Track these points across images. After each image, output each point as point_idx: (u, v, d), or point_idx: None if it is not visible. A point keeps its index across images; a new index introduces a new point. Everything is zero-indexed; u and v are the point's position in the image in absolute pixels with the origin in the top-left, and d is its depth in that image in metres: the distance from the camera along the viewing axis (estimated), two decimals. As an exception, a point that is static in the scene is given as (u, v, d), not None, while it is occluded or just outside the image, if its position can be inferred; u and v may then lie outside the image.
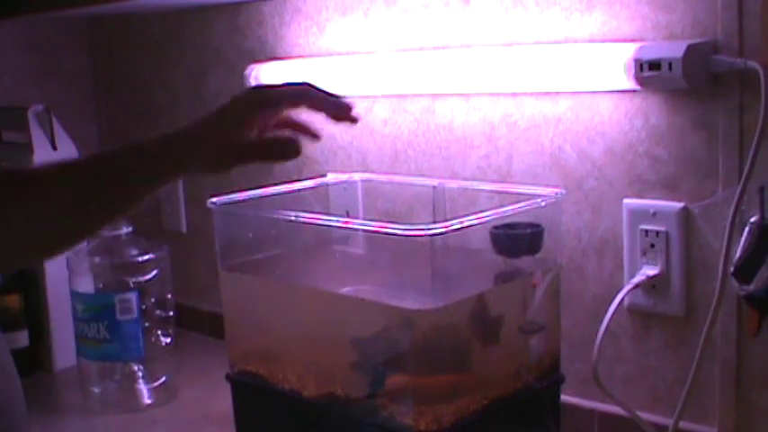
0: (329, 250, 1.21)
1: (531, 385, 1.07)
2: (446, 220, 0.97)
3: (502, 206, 1.05)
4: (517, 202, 1.06)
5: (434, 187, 1.25)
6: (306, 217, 1.07)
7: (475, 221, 0.99)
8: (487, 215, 1.01)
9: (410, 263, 1.05)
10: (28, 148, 1.53)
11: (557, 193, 1.08)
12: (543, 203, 1.06)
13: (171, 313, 1.46)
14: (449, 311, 0.99)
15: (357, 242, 1.22)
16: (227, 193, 1.19)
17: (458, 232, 0.97)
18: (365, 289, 1.12)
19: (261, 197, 1.21)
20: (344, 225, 1.09)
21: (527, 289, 1.07)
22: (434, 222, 0.97)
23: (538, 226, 1.06)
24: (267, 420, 1.14)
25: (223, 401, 1.19)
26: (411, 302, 1.00)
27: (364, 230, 1.11)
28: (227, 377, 1.17)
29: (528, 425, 1.08)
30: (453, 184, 1.25)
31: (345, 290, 1.10)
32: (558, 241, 1.10)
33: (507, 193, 1.13)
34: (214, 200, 1.15)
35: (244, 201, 1.17)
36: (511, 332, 1.05)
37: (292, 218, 1.08)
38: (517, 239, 1.05)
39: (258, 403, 1.15)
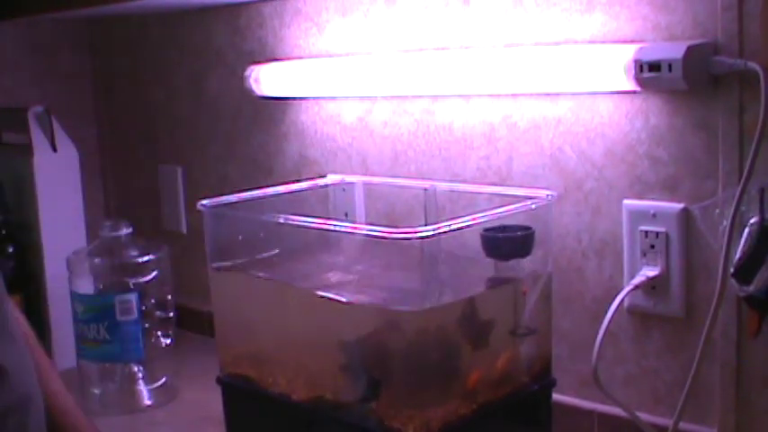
0: (320, 253, 1.21)
1: (522, 389, 1.07)
2: (436, 223, 0.97)
3: (495, 209, 1.05)
4: (515, 204, 1.06)
5: (426, 189, 1.25)
6: (295, 219, 1.07)
7: (464, 224, 0.99)
8: (478, 218, 1.01)
9: (401, 265, 1.05)
10: (28, 149, 1.53)
11: (548, 196, 1.08)
12: (534, 206, 1.06)
13: (171, 314, 1.46)
14: (438, 314, 0.99)
15: (349, 245, 1.22)
16: (225, 194, 1.19)
17: (449, 235, 0.97)
18: (356, 291, 1.12)
19: (260, 198, 1.21)
20: (333, 228, 1.09)
21: (518, 292, 1.07)
22: (425, 225, 0.97)
23: (528, 228, 1.06)
24: (257, 424, 1.14)
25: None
26: (401, 305, 1.00)
27: (353, 233, 1.11)
28: (218, 380, 1.17)
29: (520, 429, 1.08)
30: (447, 187, 1.24)
31: (335, 293, 1.10)
32: (550, 244, 1.11)
33: (501, 195, 1.13)
34: (205, 202, 1.15)
35: (235, 203, 1.17)
36: (502, 335, 1.05)
37: (281, 220, 1.07)
38: (507, 242, 1.05)
39: (248, 407, 1.15)
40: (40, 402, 0.85)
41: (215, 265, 1.18)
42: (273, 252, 1.19)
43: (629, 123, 1.10)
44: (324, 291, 1.09)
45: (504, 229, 1.06)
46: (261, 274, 1.18)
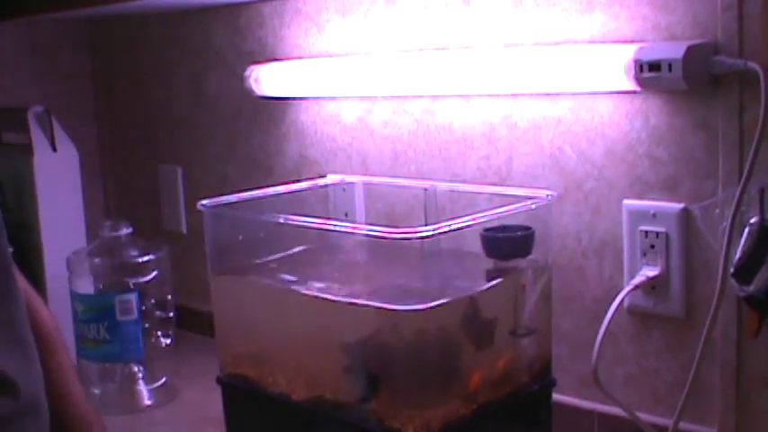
0: (320, 253, 1.21)
1: (522, 389, 1.07)
2: (436, 223, 0.97)
3: (494, 209, 1.05)
4: (515, 204, 1.06)
5: (426, 189, 1.25)
6: (294, 220, 1.07)
7: (464, 224, 0.99)
8: (478, 218, 1.01)
9: (401, 265, 1.05)
10: (28, 149, 1.53)
11: (548, 196, 1.08)
12: (533, 206, 1.06)
13: (171, 314, 1.46)
14: (438, 314, 0.99)
15: (349, 245, 1.22)
16: (225, 194, 1.19)
17: (449, 235, 0.97)
18: (356, 292, 1.12)
19: (260, 198, 1.21)
20: (333, 228, 1.09)
21: (517, 292, 1.07)
22: (425, 225, 0.97)
23: (528, 228, 1.06)
24: (257, 424, 1.14)
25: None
26: (401, 305, 1.00)
27: (353, 233, 1.11)
28: (218, 380, 1.17)
29: (520, 429, 1.08)
30: (447, 187, 1.24)
31: (336, 293, 1.10)
32: (550, 244, 1.10)
33: (501, 195, 1.13)
34: (204, 202, 1.15)
35: (235, 203, 1.17)
36: (502, 336, 1.05)
37: (281, 220, 1.07)
38: (507, 242, 1.05)
39: (248, 407, 1.15)
40: (45, 409, 0.85)
41: (215, 265, 1.18)
42: (274, 252, 1.19)
43: (629, 123, 1.10)
44: (324, 291, 1.09)
45: (504, 229, 1.06)
46: (261, 276, 1.18)
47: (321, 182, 1.38)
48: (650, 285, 1.10)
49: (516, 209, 1.05)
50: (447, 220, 1.00)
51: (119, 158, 1.91)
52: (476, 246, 1.07)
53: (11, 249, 1.57)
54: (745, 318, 1.01)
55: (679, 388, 1.06)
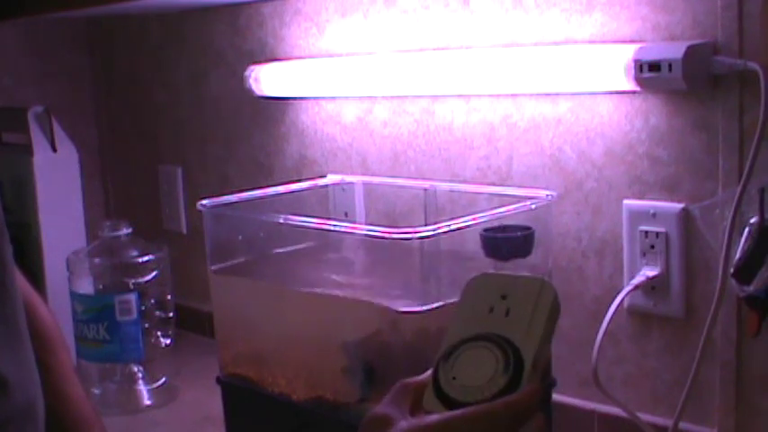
0: (320, 253, 1.21)
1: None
2: (436, 223, 0.97)
3: (495, 209, 1.05)
4: (515, 204, 1.06)
5: (426, 189, 1.25)
6: (294, 220, 1.07)
7: (464, 224, 0.99)
8: (478, 218, 1.01)
9: (400, 266, 1.05)
10: (28, 149, 1.53)
11: (548, 196, 1.08)
12: (533, 206, 1.06)
13: (171, 314, 1.46)
14: (438, 314, 0.99)
15: (348, 245, 1.22)
16: (225, 194, 1.19)
17: (448, 235, 0.97)
18: (356, 292, 1.12)
19: (260, 198, 1.21)
20: (333, 228, 1.09)
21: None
22: (425, 225, 0.97)
23: (528, 229, 1.06)
24: (257, 424, 1.14)
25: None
26: (401, 305, 1.00)
27: (353, 233, 1.11)
28: (218, 380, 1.17)
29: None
30: (447, 187, 1.24)
31: (335, 293, 1.10)
32: (550, 244, 1.10)
33: (501, 195, 1.13)
34: (204, 202, 1.15)
35: (234, 203, 1.17)
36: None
37: (281, 220, 1.07)
38: (507, 242, 1.05)
39: (248, 407, 1.15)
40: (42, 410, 0.85)
41: (215, 265, 1.18)
42: (273, 252, 1.19)
43: (628, 123, 1.10)
44: (323, 291, 1.09)
45: (504, 229, 1.06)
46: (260, 275, 1.18)
47: (321, 182, 1.38)
48: (650, 285, 1.10)
49: (516, 209, 1.05)
50: (447, 220, 1.00)
51: (119, 158, 1.91)
52: (476, 246, 1.07)
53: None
54: (745, 318, 1.01)
55: (679, 388, 1.06)
